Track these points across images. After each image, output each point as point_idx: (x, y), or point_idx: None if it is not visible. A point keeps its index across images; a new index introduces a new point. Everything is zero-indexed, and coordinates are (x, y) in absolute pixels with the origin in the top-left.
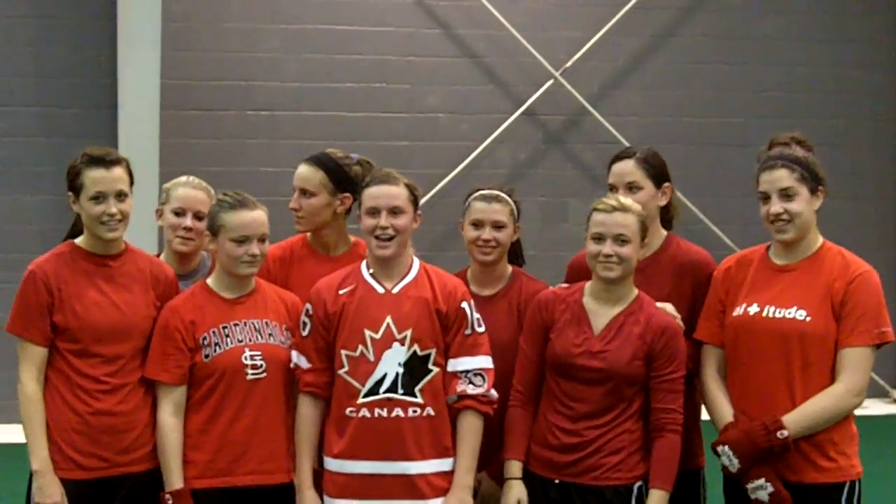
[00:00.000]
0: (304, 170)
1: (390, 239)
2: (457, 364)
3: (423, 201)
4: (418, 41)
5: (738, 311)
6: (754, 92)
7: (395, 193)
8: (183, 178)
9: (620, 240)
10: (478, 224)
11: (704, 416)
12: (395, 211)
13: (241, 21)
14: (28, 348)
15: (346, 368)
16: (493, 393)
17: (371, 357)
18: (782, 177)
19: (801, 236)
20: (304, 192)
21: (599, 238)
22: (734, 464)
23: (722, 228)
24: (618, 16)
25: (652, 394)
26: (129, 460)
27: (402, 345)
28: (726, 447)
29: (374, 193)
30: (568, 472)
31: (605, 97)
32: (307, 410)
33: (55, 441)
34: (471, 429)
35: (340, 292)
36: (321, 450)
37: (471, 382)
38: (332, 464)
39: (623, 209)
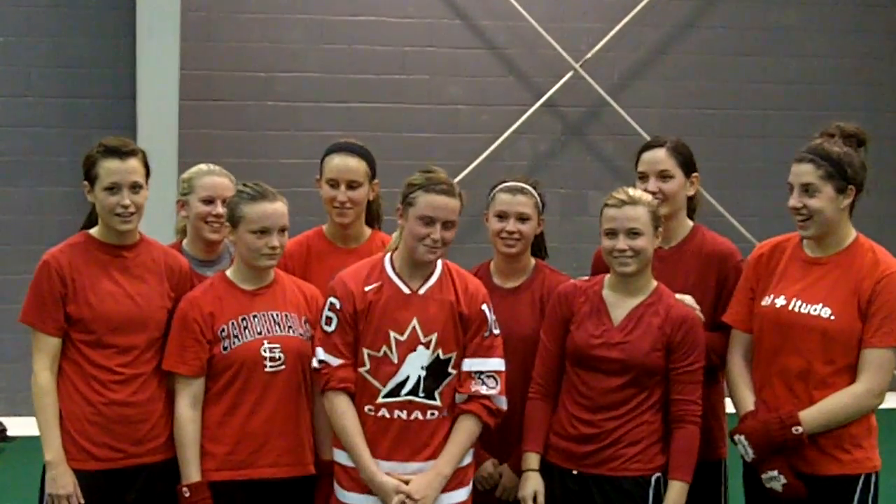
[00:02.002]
0: (349, 161)
1: (439, 249)
2: (472, 364)
3: None
4: (439, 32)
5: (766, 301)
6: (775, 83)
7: (454, 207)
8: (204, 167)
9: (633, 233)
10: (502, 216)
11: (728, 408)
12: (448, 224)
13: (262, 11)
14: (42, 339)
15: (367, 367)
16: (503, 400)
17: (394, 359)
18: (805, 171)
19: (824, 233)
20: (352, 184)
21: (612, 233)
22: (749, 454)
23: (741, 221)
24: (638, 7)
25: (671, 385)
26: (144, 451)
27: (427, 348)
28: (742, 437)
29: (437, 204)
30: (586, 463)
31: (626, 89)
32: (346, 406)
33: (69, 432)
34: (468, 431)
35: (367, 289)
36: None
37: (484, 383)
38: (346, 457)
39: (633, 202)
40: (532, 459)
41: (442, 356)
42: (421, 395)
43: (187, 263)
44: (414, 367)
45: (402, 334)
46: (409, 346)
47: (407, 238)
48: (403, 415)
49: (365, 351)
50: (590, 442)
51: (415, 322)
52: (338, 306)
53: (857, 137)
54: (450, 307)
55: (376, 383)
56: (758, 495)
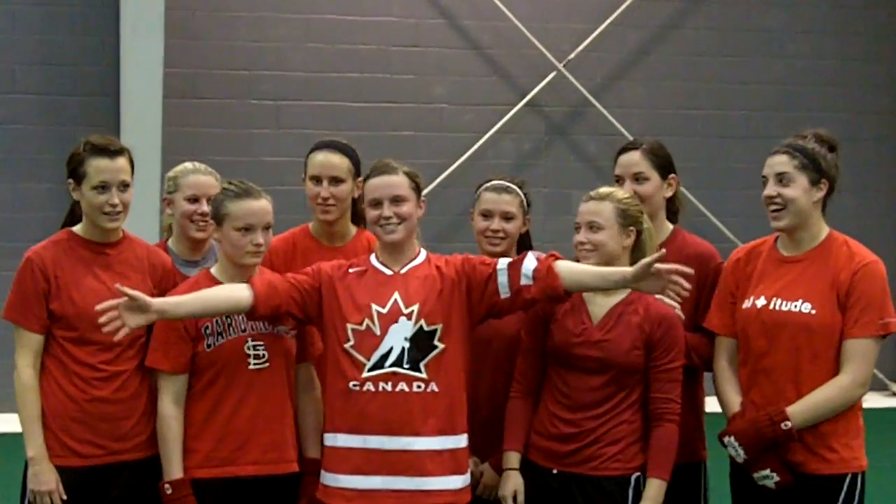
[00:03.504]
0: (331, 157)
1: (398, 224)
2: (506, 260)
3: (427, 191)
4: (423, 32)
5: (747, 304)
6: (757, 84)
7: (396, 182)
8: (189, 165)
9: (593, 227)
10: (487, 214)
11: (707, 408)
12: (396, 200)
13: (246, 10)
14: (24, 335)
15: (351, 342)
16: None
17: (377, 331)
18: (781, 161)
19: (798, 225)
20: (334, 180)
21: (577, 227)
22: (740, 454)
23: (724, 221)
24: (621, 7)
25: (650, 383)
26: (126, 448)
27: (409, 319)
28: (732, 438)
29: (376, 184)
30: (567, 462)
31: (609, 89)
32: (233, 286)
33: (51, 428)
34: (573, 263)
35: (350, 270)
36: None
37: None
38: (333, 438)
39: (599, 198)
40: (512, 458)
41: (426, 327)
42: (406, 366)
43: (170, 260)
44: (397, 338)
45: (383, 307)
46: (392, 318)
47: (371, 229)
48: (388, 387)
49: (348, 326)
50: (570, 441)
51: (396, 295)
52: (315, 266)
53: (829, 143)
54: (432, 281)
55: (361, 357)
56: (746, 496)
